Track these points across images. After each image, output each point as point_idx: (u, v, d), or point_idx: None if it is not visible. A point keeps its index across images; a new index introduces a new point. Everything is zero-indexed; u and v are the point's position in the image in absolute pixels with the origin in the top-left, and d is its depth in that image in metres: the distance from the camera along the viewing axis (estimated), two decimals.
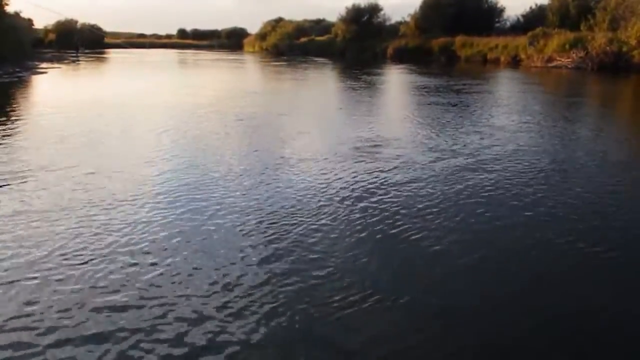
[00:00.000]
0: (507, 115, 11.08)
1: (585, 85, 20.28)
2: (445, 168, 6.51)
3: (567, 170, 6.52)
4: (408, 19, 43.04)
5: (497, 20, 40.75)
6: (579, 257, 4.02)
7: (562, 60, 26.22)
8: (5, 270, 3.61)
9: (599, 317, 3.20)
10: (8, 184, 5.62)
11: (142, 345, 2.81)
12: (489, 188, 5.66)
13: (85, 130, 9.11)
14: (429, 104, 13.22)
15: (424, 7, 41.02)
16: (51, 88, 18.48)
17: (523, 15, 39.18)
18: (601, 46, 24.64)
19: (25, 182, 5.71)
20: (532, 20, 35.36)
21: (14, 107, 12.46)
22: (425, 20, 40.02)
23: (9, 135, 8.51)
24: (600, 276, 3.75)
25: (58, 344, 2.81)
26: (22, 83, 19.17)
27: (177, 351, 2.77)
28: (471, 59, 33.16)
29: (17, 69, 22.60)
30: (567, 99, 15.46)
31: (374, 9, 44.88)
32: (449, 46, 35.60)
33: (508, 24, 40.21)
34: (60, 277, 3.54)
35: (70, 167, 6.36)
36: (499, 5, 40.94)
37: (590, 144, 8.47)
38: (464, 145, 7.91)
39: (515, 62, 29.73)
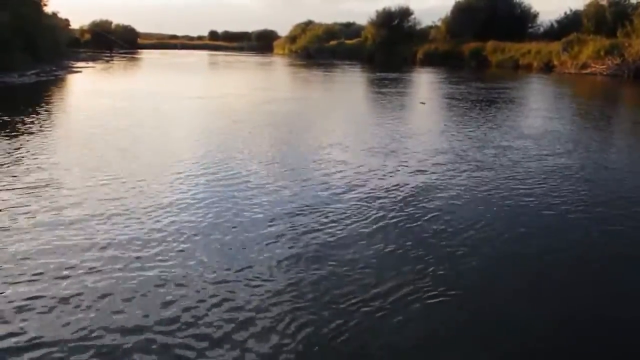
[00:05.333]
0: (541, 124, 10.91)
1: (622, 93, 19.82)
2: (475, 175, 6.46)
3: (601, 181, 6.39)
4: (439, 23, 42.73)
5: (530, 25, 40.07)
6: (609, 265, 3.95)
7: (597, 67, 25.66)
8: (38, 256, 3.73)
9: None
10: (42, 174, 5.80)
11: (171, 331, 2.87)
12: (521, 195, 5.59)
13: (120, 126, 9.33)
14: (461, 114, 13.10)
15: (455, 12, 40.63)
16: (86, 87, 18.88)
17: (557, 21, 38.53)
18: (638, 53, 24.04)
19: (61, 172, 5.89)
20: (567, 26, 34.69)
21: (51, 105, 12.79)
22: (456, 24, 39.63)
23: (46, 130, 8.76)
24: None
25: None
26: (58, 81, 19.67)
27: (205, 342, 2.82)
28: (502, 65, 32.70)
29: (54, 68, 23.17)
30: (602, 107, 15.14)
31: (405, 13, 44.63)
32: (480, 51, 35.15)
33: (541, 29, 39.54)
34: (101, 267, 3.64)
35: (102, 162, 6.53)
36: (532, 10, 40.36)
37: (622, 155, 8.29)
38: (494, 154, 7.83)
39: (547, 68, 29.23)
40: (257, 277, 3.61)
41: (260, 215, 4.87)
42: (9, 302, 3.22)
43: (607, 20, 30.99)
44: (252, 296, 3.36)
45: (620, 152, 8.46)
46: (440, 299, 3.41)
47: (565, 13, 38.18)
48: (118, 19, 74.50)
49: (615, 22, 29.27)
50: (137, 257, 3.88)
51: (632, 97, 18.87)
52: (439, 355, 2.87)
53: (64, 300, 3.27)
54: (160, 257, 3.89)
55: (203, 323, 3.06)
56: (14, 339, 2.86)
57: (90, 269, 3.69)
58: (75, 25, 53.07)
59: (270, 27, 78.87)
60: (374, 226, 4.63)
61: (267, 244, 4.18)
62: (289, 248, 4.12)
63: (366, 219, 4.82)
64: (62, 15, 34.05)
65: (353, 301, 3.34)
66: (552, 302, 3.44)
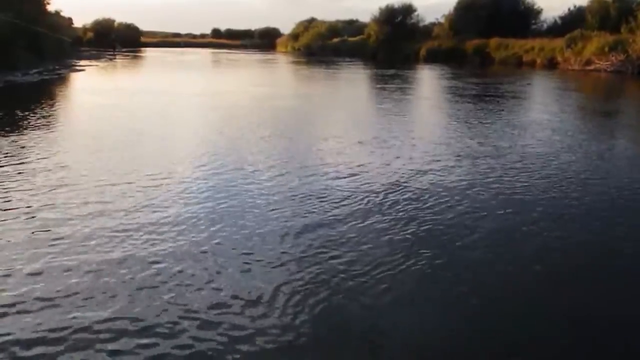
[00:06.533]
0: (542, 120, 10.87)
1: (626, 89, 19.73)
2: (476, 170, 6.44)
3: (601, 179, 6.36)
4: (442, 20, 42.66)
5: (533, 22, 39.92)
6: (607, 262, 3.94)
7: (601, 63, 25.54)
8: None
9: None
10: (47, 169, 5.82)
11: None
12: (519, 192, 5.58)
13: (122, 123, 9.36)
14: (461, 107, 13.07)
15: (458, 9, 40.54)
16: (89, 85, 18.92)
17: (561, 17, 38.31)
18: None
19: (62, 169, 5.91)
20: (570, 22, 34.51)
21: (54, 103, 12.83)
22: (459, 21, 39.54)
23: (49, 127, 8.79)
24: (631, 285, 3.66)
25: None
26: (62, 80, 19.72)
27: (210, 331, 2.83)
28: (506, 61, 32.60)
29: (57, 67, 23.23)
30: (606, 104, 15.08)
31: (408, 10, 44.55)
32: (483, 48, 35.06)
33: (545, 25, 39.39)
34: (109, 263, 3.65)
35: (106, 159, 6.54)
36: (535, 6, 40.20)
37: (625, 151, 8.26)
38: (494, 149, 7.81)
39: (551, 65, 29.13)
40: (265, 258, 3.63)
41: (266, 200, 4.99)
42: (13, 295, 3.24)
43: (611, 16, 30.84)
44: (262, 272, 3.38)
45: (623, 148, 8.42)
46: (437, 279, 3.43)
47: (569, 9, 38.04)
48: (121, 18, 74.66)
49: (619, 18, 29.09)
50: (146, 246, 3.89)
51: (636, 93, 18.78)
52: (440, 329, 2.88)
53: (68, 296, 3.28)
54: (168, 247, 3.90)
55: (214, 304, 3.08)
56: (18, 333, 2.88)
57: (94, 263, 3.70)
58: (78, 23, 53.31)
59: (273, 25, 78.92)
60: (374, 211, 4.64)
61: (274, 229, 4.22)
62: (297, 236, 4.13)
63: (365, 203, 4.85)
64: (64, 13, 34.19)
65: (356, 278, 3.38)
66: (547, 291, 3.44)
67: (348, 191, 5.53)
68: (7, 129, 8.77)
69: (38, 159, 6.72)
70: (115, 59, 37.93)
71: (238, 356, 2.75)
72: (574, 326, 3.13)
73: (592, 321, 3.18)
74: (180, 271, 3.63)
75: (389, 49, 41.65)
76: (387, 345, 2.89)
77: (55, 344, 2.81)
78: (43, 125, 9.30)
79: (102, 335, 2.90)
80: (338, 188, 5.64)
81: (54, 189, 5.41)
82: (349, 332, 3.01)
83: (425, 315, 3.20)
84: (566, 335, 3.03)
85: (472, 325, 3.11)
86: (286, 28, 68.41)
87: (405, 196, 5.41)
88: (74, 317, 3.05)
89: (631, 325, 3.16)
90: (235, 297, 3.32)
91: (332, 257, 3.90)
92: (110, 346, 2.80)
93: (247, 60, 41.46)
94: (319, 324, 3.05)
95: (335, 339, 2.94)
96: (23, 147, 7.38)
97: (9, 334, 2.88)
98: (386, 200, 5.27)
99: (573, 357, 2.88)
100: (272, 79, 24.49)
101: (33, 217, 4.60)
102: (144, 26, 74.42)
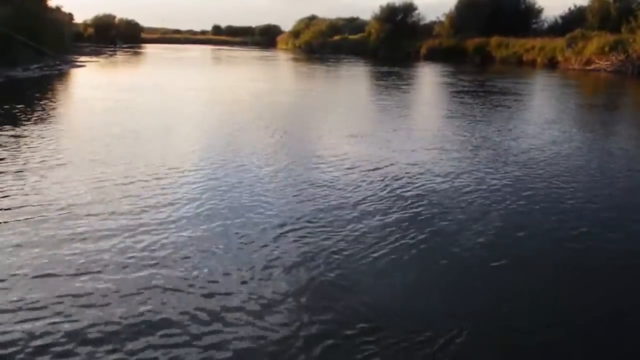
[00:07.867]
0: (544, 120, 10.91)
1: (626, 89, 19.76)
2: (469, 161, 6.48)
3: (601, 177, 6.40)
4: (443, 18, 42.68)
5: (534, 21, 39.96)
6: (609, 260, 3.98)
7: (601, 63, 25.58)
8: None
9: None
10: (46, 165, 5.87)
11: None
12: (522, 190, 5.62)
13: (123, 118, 9.39)
14: (458, 105, 13.10)
15: (459, 7, 40.54)
16: (90, 80, 18.89)
17: (562, 17, 38.34)
18: None
19: (64, 165, 5.95)
20: (571, 21, 34.55)
21: (55, 98, 12.86)
22: (460, 20, 39.53)
23: (49, 124, 8.82)
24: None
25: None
26: (62, 75, 19.72)
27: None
28: (506, 60, 32.64)
29: (58, 62, 23.19)
30: (606, 103, 15.11)
31: (409, 8, 44.55)
32: (484, 47, 35.08)
33: (546, 25, 39.41)
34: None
35: (105, 153, 6.58)
36: (536, 5, 40.23)
37: (625, 153, 8.29)
38: (495, 150, 7.85)
39: (551, 64, 29.16)
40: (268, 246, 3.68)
41: (264, 188, 5.13)
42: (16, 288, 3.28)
43: (612, 16, 30.88)
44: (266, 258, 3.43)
45: (620, 143, 8.45)
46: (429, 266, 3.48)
47: (570, 9, 38.06)
48: (121, 14, 74.77)
49: (620, 18, 29.11)
50: (147, 245, 3.94)
51: (636, 92, 18.80)
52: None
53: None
54: (169, 246, 3.94)
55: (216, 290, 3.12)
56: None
57: (94, 261, 3.74)
58: (78, 19, 53.24)
59: (273, 22, 78.91)
60: (368, 199, 4.70)
61: (271, 215, 4.28)
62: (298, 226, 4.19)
63: (360, 192, 4.89)
64: (65, 9, 34.15)
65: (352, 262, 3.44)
66: (544, 286, 3.49)
67: (344, 181, 5.70)
68: (8, 124, 8.79)
69: (39, 154, 6.75)
70: (115, 55, 37.88)
71: (231, 326, 2.88)
72: (557, 305, 3.19)
73: (580, 303, 3.24)
74: (179, 253, 3.70)
75: (390, 47, 41.66)
76: (380, 317, 2.94)
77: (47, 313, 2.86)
78: (44, 120, 9.33)
79: (99, 303, 3.03)
80: (333, 178, 5.83)
81: (54, 183, 5.46)
82: (343, 303, 3.14)
83: (416, 291, 3.28)
84: (550, 307, 3.08)
85: (460, 298, 3.16)
86: (287, 25, 68.37)
87: (398, 184, 5.53)
88: (72, 286, 3.11)
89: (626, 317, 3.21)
90: (232, 272, 3.53)
91: (329, 240, 4.00)
92: (109, 316, 2.87)
93: (248, 57, 41.46)
94: (313, 299, 3.26)
95: (329, 310, 3.04)
96: (24, 142, 7.41)
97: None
98: (380, 188, 5.36)
99: (560, 333, 2.93)
100: (272, 75, 24.54)
101: (34, 210, 4.64)
102: (144, 22, 74.57)
